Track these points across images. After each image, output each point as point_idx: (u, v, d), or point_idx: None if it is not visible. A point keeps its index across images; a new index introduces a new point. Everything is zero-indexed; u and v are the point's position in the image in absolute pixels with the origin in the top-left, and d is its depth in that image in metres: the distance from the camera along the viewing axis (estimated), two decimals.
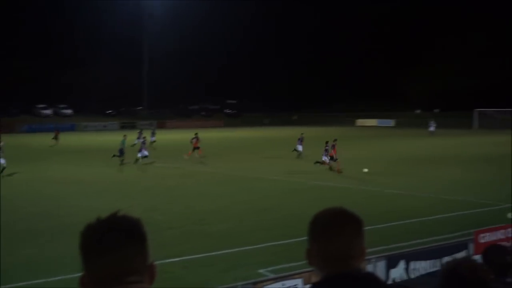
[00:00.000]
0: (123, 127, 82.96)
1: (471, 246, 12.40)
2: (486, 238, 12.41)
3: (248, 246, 16.41)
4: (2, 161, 32.50)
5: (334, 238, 2.49)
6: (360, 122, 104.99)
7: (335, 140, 36.12)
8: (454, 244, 12.94)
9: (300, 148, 43.14)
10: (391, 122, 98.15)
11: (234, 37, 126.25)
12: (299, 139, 43.92)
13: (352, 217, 2.57)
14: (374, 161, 40.17)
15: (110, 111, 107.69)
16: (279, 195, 25.62)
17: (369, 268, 10.92)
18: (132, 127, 70.77)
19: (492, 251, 5.52)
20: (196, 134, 44.32)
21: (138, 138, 47.65)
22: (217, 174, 33.51)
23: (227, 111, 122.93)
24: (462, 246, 12.50)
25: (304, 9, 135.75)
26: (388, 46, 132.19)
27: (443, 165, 36.96)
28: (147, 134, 49.55)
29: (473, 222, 18.15)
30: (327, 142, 35.55)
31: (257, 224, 19.33)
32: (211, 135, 70.65)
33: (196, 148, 43.00)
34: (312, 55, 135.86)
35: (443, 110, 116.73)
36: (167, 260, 14.39)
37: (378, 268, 11.01)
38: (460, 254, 12.14)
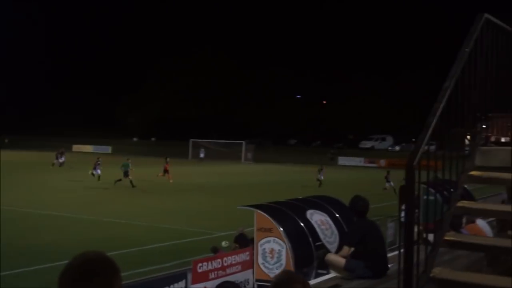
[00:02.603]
0: None
1: (189, 276, 12.63)
2: (204, 267, 12.74)
3: None
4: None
5: None
6: (77, 147, 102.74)
7: None
8: (172, 274, 13.10)
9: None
10: (108, 149, 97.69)
11: None
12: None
13: (104, 268, 2.30)
14: (89, 188, 39.50)
15: None
16: None
17: None
18: None
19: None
20: None
21: None
22: None
23: None
24: (181, 275, 12.69)
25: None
26: (105, 74, 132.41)
27: (158, 194, 37.62)
28: None
29: (190, 251, 18.67)
30: None
31: None
32: None
33: None
34: (22, 74, 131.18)
35: (159, 138, 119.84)
36: None
37: None
38: (179, 284, 12.31)
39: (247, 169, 65.56)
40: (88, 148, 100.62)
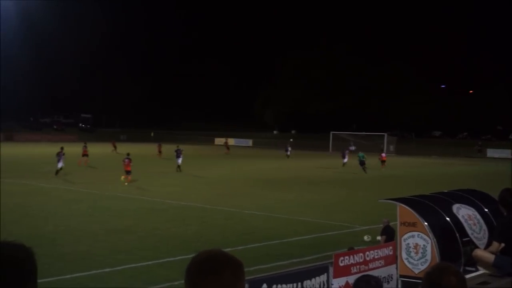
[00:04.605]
0: None
1: (331, 270, 12.62)
2: (346, 261, 12.68)
3: (104, 268, 15.80)
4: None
5: (212, 286, 2.33)
6: (218, 141, 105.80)
7: None
8: (314, 267, 13.14)
9: None
10: (248, 142, 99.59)
11: (87, 49, 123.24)
12: None
13: (231, 261, 2.41)
14: (230, 180, 40.52)
15: None
16: (135, 214, 25.06)
17: None
18: None
19: (361, 281, 5.63)
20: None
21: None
22: (69, 192, 32.29)
23: (81, 125, 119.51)
24: (323, 269, 12.70)
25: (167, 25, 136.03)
26: (244, 68, 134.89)
27: (298, 186, 37.84)
28: None
29: (331, 244, 18.65)
30: None
31: (113, 246, 18.70)
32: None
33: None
34: (167, 73, 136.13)
35: (299, 131, 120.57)
36: None
37: None
38: (321, 278, 12.34)
39: (389, 161, 64.44)
40: (230, 141, 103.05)
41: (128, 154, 38.95)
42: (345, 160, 55.53)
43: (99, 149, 66.76)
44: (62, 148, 42.05)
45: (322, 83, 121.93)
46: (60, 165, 40.73)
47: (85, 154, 52.53)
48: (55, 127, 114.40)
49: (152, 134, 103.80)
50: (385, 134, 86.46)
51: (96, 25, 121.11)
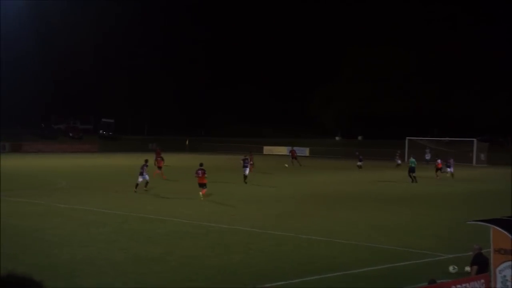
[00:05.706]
0: None
1: None
2: None
3: None
4: None
5: None
6: (268, 149, 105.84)
7: None
8: None
9: None
10: (305, 151, 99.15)
11: (109, 42, 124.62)
12: None
13: None
14: (284, 197, 40.41)
15: None
16: (169, 240, 25.20)
17: None
18: None
19: None
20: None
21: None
22: (88, 212, 32.64)
23: (102, 132, 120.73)
24: None
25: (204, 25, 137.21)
26: (298, 62, 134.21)
27: (367, 205, 37.58)
28: None
29: (408, 276, 18.44)
30: None
31: (140, 278, 18.84)
32: (80, 162, 69.37)
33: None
34: (209, 72, 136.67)
35: (367, 137, 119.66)
36: None
37: None
38: None
39: (479, 173, 63.74)
40: (281, 150, 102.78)
41: (201, 165, 40.24)
42: (450, 169, 58.64)
43: (130, 161, 67.32)
44: (146, 161, 44.10)
45: (395, 78, 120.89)
46: (140, 179, 42.63)
47: (160, 166, 55.66)
48: (71, 134, 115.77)
49: (187, 142, 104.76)
50: (475, 140, 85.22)
51: (120, 12, 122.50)
